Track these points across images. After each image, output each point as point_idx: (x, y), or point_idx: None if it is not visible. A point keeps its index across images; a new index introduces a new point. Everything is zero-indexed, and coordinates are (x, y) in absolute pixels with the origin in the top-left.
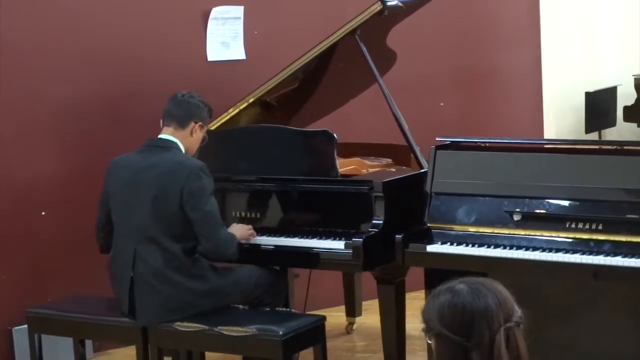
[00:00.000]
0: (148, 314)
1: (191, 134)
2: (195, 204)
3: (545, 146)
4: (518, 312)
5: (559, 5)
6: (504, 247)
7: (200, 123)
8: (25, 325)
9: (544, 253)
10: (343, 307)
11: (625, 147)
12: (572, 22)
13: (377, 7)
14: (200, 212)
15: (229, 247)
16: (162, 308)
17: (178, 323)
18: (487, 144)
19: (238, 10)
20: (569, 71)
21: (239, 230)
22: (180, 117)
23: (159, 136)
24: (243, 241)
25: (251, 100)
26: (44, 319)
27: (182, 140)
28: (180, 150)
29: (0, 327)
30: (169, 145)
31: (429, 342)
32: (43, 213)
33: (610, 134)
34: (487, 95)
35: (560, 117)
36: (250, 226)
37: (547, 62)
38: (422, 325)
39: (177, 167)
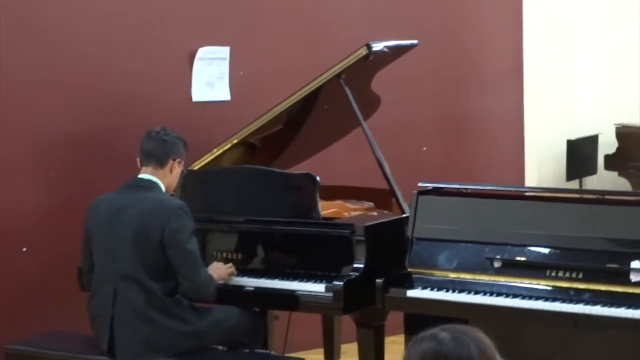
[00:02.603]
0: (127, 353)
1: (170, 171)
2: (176, 243)
3: (527, 194)
4: None
5: (542, 53)
6: (485, 294)
7: (178, 159)
8: None
9: (524, 300)
10: (322, 350)
11: (606, 197)
12: (554, 70)
13: (363, 51)
14: (180, 252)
15: (208, 287)
16: (142, 347)
17: None
18: (469, 190)
19: (224, 51)
20: (551, 119)
21: (217, 270)
22: (159, 156)
23: (139, 176)
24: (222, 281)
25: (235, 141)
26: (22, 355)
27: (162, 178)
28: (161, 190)
29: None
30: (150, 185)
31: None
32: (24, 249)
33: (591, 182)
34: (469, 141)
35: (542, 164)
36: (230, 265)
37: (529, 109)
38: None
39: (158, 206)
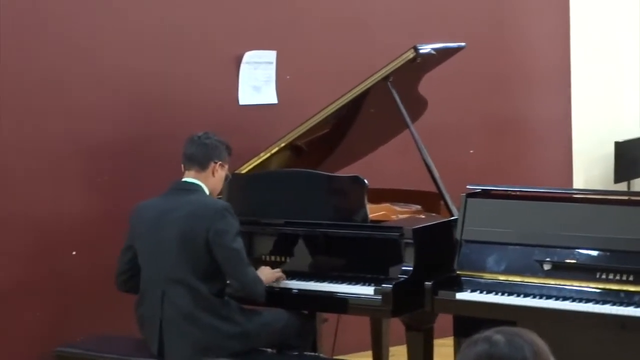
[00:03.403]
0: (177, 355)
1: (213, 174)
2: (222, 243)
3: (575, 196)
4: None
5: (589, 54)
6: (534, 297)
7: (220, 162)
8: None
9: (573, 303)
10: (370, 353)
11: None
12: (602, 72)
13: (410, 54)
14: (227, 251)
15: (256, 286)
16: (191, 349)
17: None
18: (518, 193)
19: (271, 55)
20: (599, 120)
21: (266, 273)
22: (200, 159)
23: (182, 179)
24: (270, 284)
25: (282, 144)
26: (73, 358)
27: (205, 181)
28: (205, 192)
29: None
30: (194, 188)
31: None
32: (74, 253)
33: (639, 184)
34: (516, 143)
35: (590, 166)
36: (278, 270)
37: (577, 110)
38: None
39: (202, 208)
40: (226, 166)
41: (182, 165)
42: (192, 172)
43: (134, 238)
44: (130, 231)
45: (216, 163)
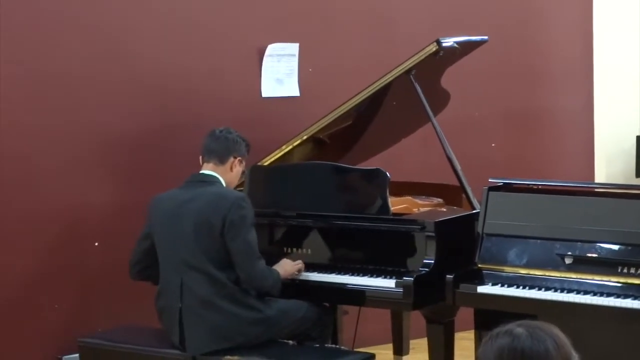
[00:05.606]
0: (197, 343)
1: (231, 169)
2: (235, 234)
3: (597, 190)
4: (575, 356)
5: (612, 48)
6: (555, 290)
7: (239, 158)
8: (76, 355)
9: (594, 297)
10: (391, 345)
11: None
12: (624, 66)
13: (433, 47)
14: (238, 243)
15: (265, 279)
16: (212, 336)
17: (228, 357)
18: (540, 186)
19: (293, 48)
20: (621, 114)
21: (285, 266)
22: (220, 152)
23: (200, 172)
24: (290, 277)
25: (305, 137)
26: (95, 348)
27: (223, 175)
28: (222, 184)
29: (52, 355)
30: (211, 180)
31: None
32: (96, 244)
33: None
34: (538, 137)
35: (611, 161)
36: (298, 261)
37: (599, 104)
38: None
39: (219, 197)
40: (244, 163)
41: (201, 158)
42: (210, 165)
43: (152, 230)
44: (148, 222)
45: (235, 158)
